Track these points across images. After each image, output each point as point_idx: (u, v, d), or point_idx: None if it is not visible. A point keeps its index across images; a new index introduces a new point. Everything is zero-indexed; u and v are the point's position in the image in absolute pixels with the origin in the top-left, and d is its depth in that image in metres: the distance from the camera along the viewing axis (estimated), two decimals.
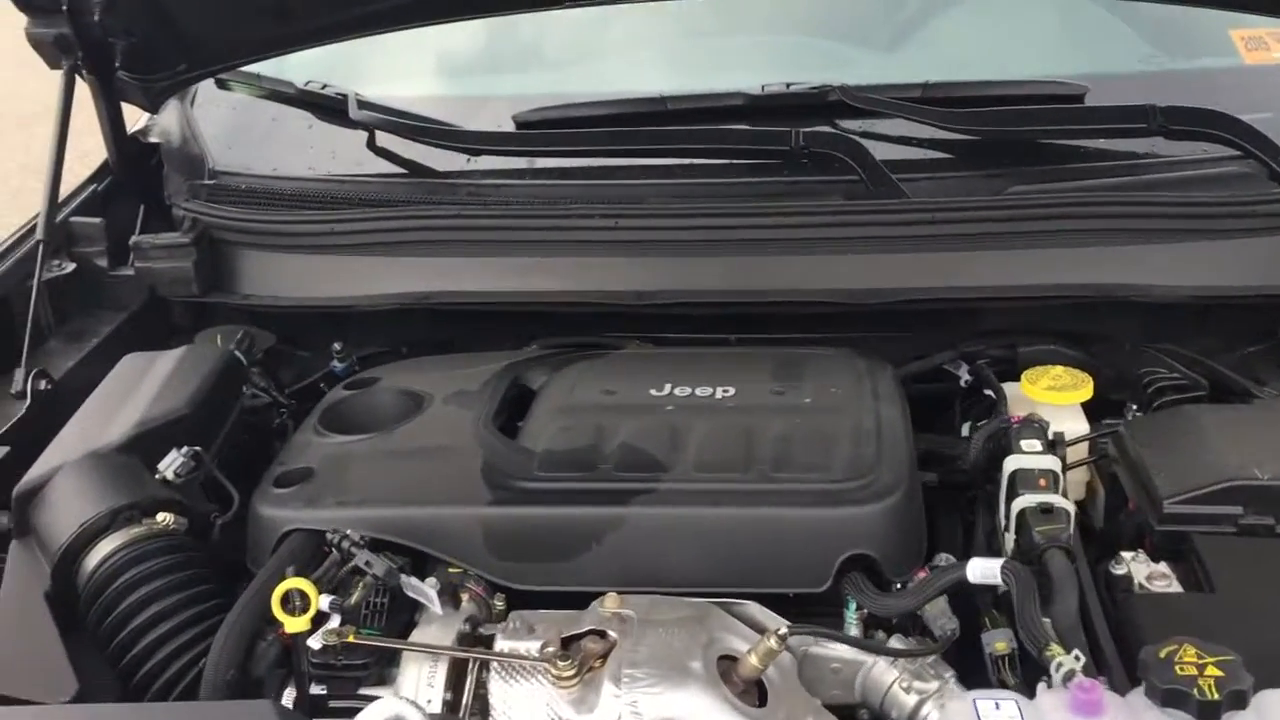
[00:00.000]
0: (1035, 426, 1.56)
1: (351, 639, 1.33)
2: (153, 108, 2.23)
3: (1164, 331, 1.89)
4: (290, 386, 1.98)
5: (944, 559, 1.57)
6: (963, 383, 1.90)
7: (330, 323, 2.06)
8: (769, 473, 1.48)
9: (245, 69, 2.23)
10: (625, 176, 2.07)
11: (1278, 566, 1.38)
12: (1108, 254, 1.84)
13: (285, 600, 1.34)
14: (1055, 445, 1.57)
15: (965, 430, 1.80)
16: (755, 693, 1.28)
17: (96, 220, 2.10)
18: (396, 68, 2.37)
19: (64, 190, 2.09)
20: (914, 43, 2.31)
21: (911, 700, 1.31)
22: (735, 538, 1.44)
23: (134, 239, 2.08)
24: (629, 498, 1.47)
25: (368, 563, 1.38)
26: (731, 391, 1.67)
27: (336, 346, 1.98)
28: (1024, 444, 1.53)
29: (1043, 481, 1.48)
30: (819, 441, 1.53)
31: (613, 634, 1.31)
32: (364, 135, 2.21)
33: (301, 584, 1.35)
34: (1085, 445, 1.69)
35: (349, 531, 1.43)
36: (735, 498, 1.46)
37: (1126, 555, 1.45)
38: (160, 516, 1.48)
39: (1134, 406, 1.81)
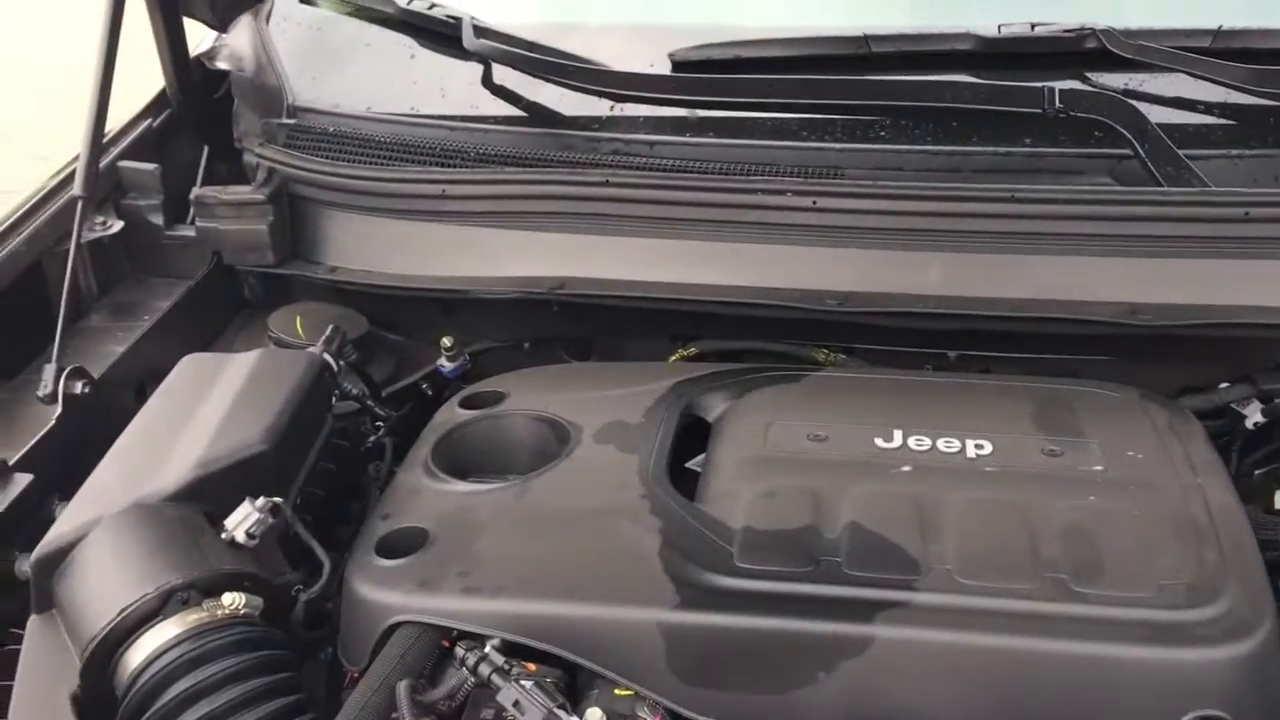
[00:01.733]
0: None
1: None
2: (220, 25, 1.83)
3: None
4: (386, 387, 1.57)
5: None
6: (1250, 425, 1.46)
7: (437, 308, 1.65)
8: (1070, 585, 1.06)
9: None
10: (816, 139, 1.62)
11: None
12: None
13: None
14: None
15: (1278, 500, 1.37)
16: None
17: (150, 167, 1.71)
18: None
19: (111, 127, 1.68)
20: None
21: None
22: (1024, 680, 1.03)
23: (195, 192, 1.69)
24: (873, 611, 1.05)
25: (517, 704, 0.97)
26: (987, 448, 1.24)
27: (446, 343, 1.57)
28: None
29: None
30: (1133, 539, 1.11)
31: None
32: (479, 70, 1.77)
33: None
34: None
35: (489, 649, 1.03)
36: (1024, 622, 1.04)
37: None
38: (228, 598, 1.09)
39: None
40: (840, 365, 1.54)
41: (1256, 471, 1.46)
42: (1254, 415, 1.48)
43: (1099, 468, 1.20)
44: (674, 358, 1.59)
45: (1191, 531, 1.11)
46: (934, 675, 1.04)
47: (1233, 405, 1.48)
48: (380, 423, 1.47)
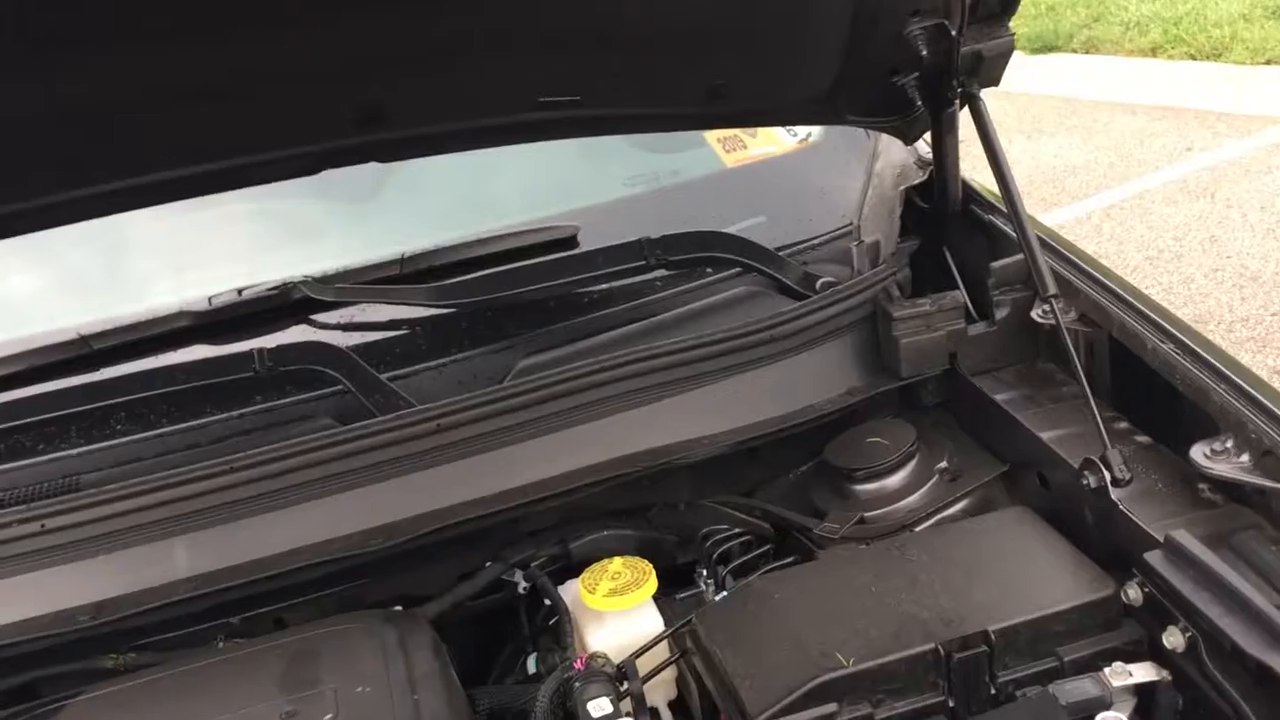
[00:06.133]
0: (601, 679, 1.31)
1: None
2: None
3: (715, 478, 1.72)
4: None
5: None
6: (521, 590, 1.64)
7: None
8: None
9: None
10: (51, 449, 1.60)
11: None
12: (636, 418, 1.63)
13: None
14: (627, 682, 1.34)
15: (532, 664, 1.54)
16: None
17: None
18: None
19: None
20: (390, 206, 1.99)
21: None
22: None
23: None
24: None
25: None
26: None
27: None
28: (591, 706, 1.27)
29: None
30: None
31: None
32: None
33: None
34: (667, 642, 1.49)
35: None
36: None
37: None
38: None
39: (704, 572, 1.65)
40: (129, 667, 1.51)
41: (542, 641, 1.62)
42: (521, 582, 1.66)
43: (329, 716, 1.29)
44: None
45: None
46: None
47: (504, 578, 1.65)
48: None
